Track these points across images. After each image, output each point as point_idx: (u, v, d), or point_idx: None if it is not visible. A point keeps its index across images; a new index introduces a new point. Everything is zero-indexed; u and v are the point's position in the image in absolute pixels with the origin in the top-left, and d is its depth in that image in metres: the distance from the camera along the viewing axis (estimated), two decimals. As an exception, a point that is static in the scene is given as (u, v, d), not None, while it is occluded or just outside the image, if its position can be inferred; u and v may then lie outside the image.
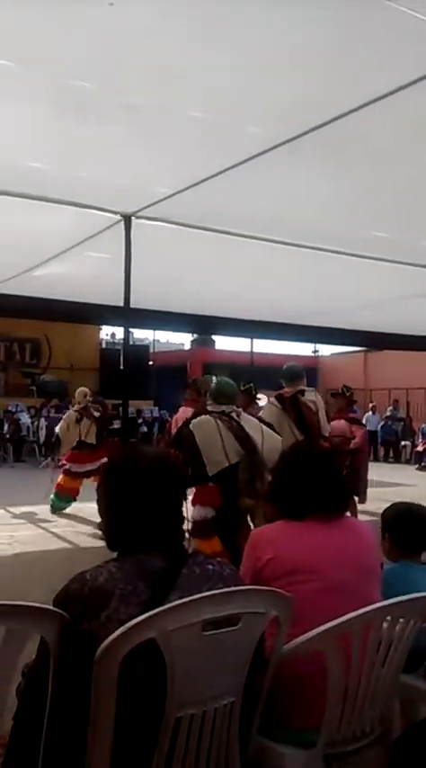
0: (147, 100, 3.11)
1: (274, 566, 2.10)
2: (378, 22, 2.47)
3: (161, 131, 3.43)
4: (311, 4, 2.38)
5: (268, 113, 3.22)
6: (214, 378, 6.52)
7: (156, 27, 2.53)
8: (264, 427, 5.07)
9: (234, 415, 4.87)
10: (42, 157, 3.72)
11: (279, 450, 4.85)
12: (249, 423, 4.90)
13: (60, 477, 9.29)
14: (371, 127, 3.28)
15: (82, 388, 9.89)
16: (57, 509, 9.08)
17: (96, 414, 9.55)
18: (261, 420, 6.09)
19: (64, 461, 9.39)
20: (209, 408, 4.98)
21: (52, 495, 9.24)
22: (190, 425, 4.85)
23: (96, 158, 3.74)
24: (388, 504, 2.81)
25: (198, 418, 4.96)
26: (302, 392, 6.42)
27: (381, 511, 2.83)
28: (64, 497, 9.14)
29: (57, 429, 9.93)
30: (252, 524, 4.77)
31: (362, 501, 7.53)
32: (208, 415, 4.86)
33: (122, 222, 4.78)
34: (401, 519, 2.49)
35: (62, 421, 9.80)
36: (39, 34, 2.55)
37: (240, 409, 5.13)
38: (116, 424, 10.60)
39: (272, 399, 6.48)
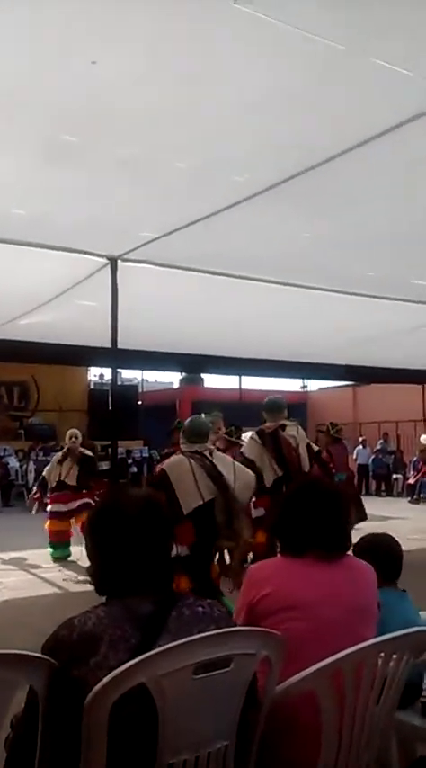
0: (132, 149, 3.18)
1: (270, 601, 2.09)
2: (358, 71, 2.55)
3: (146, 179, 3.51)
4: (294, 56, 2.46)
5: (251, 161, 3.31)
6: (203, 415, 6.55)
7: (139, 81, 2.61)
8: (237, 464, 5.11)
9: (206, 453, 4.91)
10: (27, 205, 3.77)
11: (251, 486, 5.10)
12: (222, 461, 4.95)
13: (47, 523, 9.23)
14: (352, 172, 3.37)
15: (71, 430, 9.91)
16: (58, 558, 8.91)
17: (87, 452, 9.53)
18: (242, 455, 6.10)
19: (50, 503, 9.34)
20: (183, 448, 5.02)
21: (49, 546, 9.15)
22: (164, 466, 4.93)
23: (81, 205, 3.81)
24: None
25: (170, 458, 5.03)
26: (283, 426, 6.43)
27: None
28: (59, 544, 9.04)
29: (44, 471, 9.93)
30: (228, 560, 4.85)
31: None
32: (180, 455, 4.91)
33: (109, 265, 4.84)
34: (371, 552, 2.51)
35: (50, 464, 9.82)
36: (25, 88, 2.62)
37: (213, 447, 5.17)
38: (105, 466, 10.57)
39: (253, 434, 6.51)
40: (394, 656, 2.00)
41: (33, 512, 9.98)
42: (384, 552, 2.71)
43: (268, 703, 1.82)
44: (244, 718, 1.70)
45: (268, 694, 1.81)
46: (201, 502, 4.63)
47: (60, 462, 9.39)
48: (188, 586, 4.42)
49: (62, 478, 9.25)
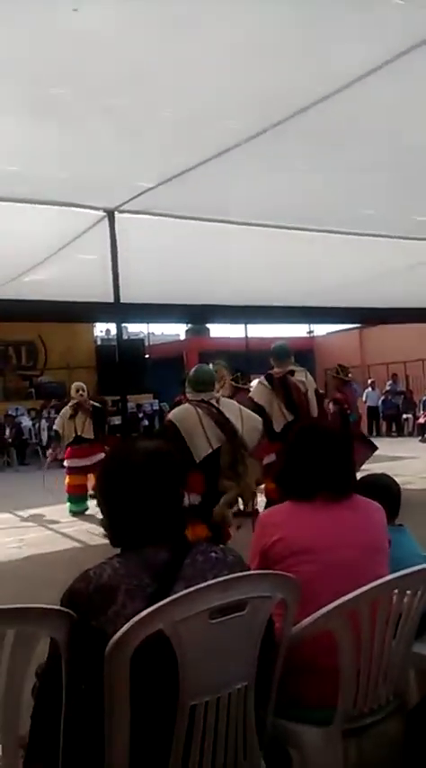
0: (120, 100, 3.11)
1: (282, 546, 2.11)
2: (348, 4, 2.46)
3: (137, 129, 3.44)
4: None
5: (244, 104, 3.23)
6: (211, 365, 6.56)
7: (124, 28, 2.53)
8: (243, 409, 5.21)
9: (213, 401, 4.99)
10: (19, 161, 3.71)
11: (259, 430, 5.21)
12: (228, 407, 5.03)
13: (66, 478, 9.31)
14: (346, 110, 3.29)
15: (76, 383, 9.89)
16: (75, 512, 9.02)
17: (96, 404, 9.55)
18: (251, 400, 6.12)
19: (66, 457, 9.42)
20: (189, 397, 5.11)
21: (66, 500, 9.23)
22: (171, 416, 5.02)
23: (74, 158, 3.74)
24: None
25: (177, 408, 5.13)
26: (292, 372, 6.44)
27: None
28: (77, 498, 9.13)
29: (54, 426, 9.97)
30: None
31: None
32: (187, 404, 4.98)
33: (106, 218, 4.78)
34: (368, 492, 2.53)
35: (58, 417, 9.83)
36: (7, 43, 2.54)
37: (219, 395, 5.28)
38: (117, 420, 10.63)
39: (262, 379, 6.54)
40: (408, 592, 2.02)
41: (45, 467, 10.08)
42: (381, 491, 2.74)
43: (285, 644, 1.85)
44: (263, 660, 1.74)
45: (284, 635, 1.84)
46: (211, 450, 4.74)
47: (72, 417, 9.38)
48: (205, 534, 4.51)
49: (79, 433, 9.27)
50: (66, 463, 9.42)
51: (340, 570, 2.06)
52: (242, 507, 5.17)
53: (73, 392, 9.65)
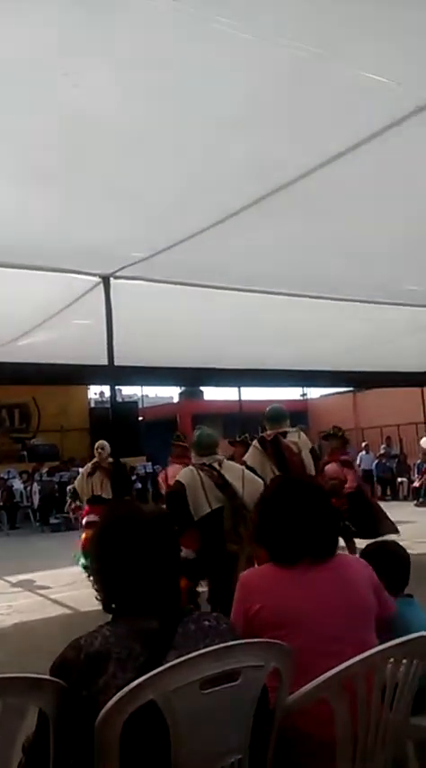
0: (114, 171, 3.20)
1: (265, 616, 2.05)
2: (333, 81, 2.57)
3: (131, 199, 3.52)
4: (269, 69, 2.48)
5: (235, 177, 3.33)
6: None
7: (119, 102, 2.63)
8: (246, 472, 5.46)
9: (215, 464, 5.29)
10: (15, 230, 3.79)
11: (259, 490, 5.16)
12: (230, 470, 5.32)
13: (83, 534, 9.14)
14: (340, 181, 3.38)
15: (99, 441, 9.57)
16: (87, 568, 8.85)
17: (109, 467, 9.44)
18: (244, 464, 6.15)
19: (83, 515, 9.27)
20: (193, 461, 5.46)
21: (80, 556, 9.08)
22: (179, 477, 5.33)
23: (70, 226, 3.82)
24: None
25: (183, 470, 5.47)
26: (284, 434, 6.45)
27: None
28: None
29: (75, 483, 9.88)
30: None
31: (392, 531, 7.50)
32: (191, 467, 5.33)
33: (101, 284, 4.86)
34: (378, 560, 2.47)
35: (79, 475, 9.78)
36: (5, 113, 2.63)
37: (222, 458, 5.51)
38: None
39: (255, 443, 6.59)
40: (405, 661, 1.99)
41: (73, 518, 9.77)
42: (391, 560, 2.69)
43: (280, 715, 1.81)
44: (257, 731, 1.69)
45: (279, 706, 1.80)
46: (209, 510, 4.99)
47: (90, 475, 9.20)
48: (186, 585, 4.79)
49: (95, 492, 9.08)
50: (84, 520, 9.26)
51: (326, 640, 2.00)
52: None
53: (95, 450, 9.51)
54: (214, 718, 1.59)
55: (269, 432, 6.43)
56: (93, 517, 8.91)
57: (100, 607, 1.82)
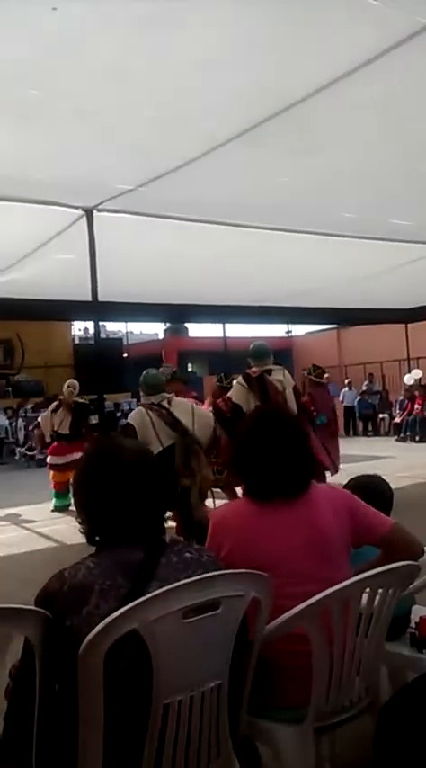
0: (97, 101, 3.11)
1: (234, 558, 2.04)
2: (323, 7, 2.48)
3: (116, 130, 3.43)
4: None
5: (224, 106, 3.24)
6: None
7: (100, 28, 2.52)
8: (196, 407, 5.76)
9: (164, 403, 5.49)
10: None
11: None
12: (179, 407, 5.52)
13: (50, 474, 9.34)
14: (324, 113, 3.32)
15: (69, 380, 9.80)
16: (58, 509, 9.08)
17: (79, 400, 9.51)
18: (229, 400, 6.28)
19: (48, 454, 9.45)
20: (142, 401, 5.66)
21: (52, 496, 9.28)
22: (129, 419, 5.57)
23: (52, 159, 3.73)
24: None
25: (133, 412, 5.69)
26: (269, 371, 6.51)
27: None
28: (60, 495, 9.16)
29: (39, 420, 10.06)
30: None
31: (333, 473, 7.66)
32: (140, 407, 5.55)
33: (84, 216, 4.77)
34: (360, 494, 2.51)
35: (46, 412, 9.90)
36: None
37: (170, 396, 5.70)
38: (94, 419, 10.60)
39: (239, 379, 6.64)
40: (380, 591, 2.05)
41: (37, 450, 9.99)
42: (373, 493, 2.73)
43: (258, 643, 1.87)
44: (237, 659, 1.75)
45: (258, 634, 1.85)
46: (161, 448, 5.15)
47: (54, 412, 9.40)
48: None
49: (55, 429, 9.28)
50: (48, 460, 9.46)
51: (296, 580, 2.02)
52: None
53: (64, 388, 9.60)
54: (195, 646, 1.64)
55: (254, 369, 6.47)
56: (55, 459, 9.10)
57: (83, 541, 1.85)
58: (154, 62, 2.83)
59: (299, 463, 2.23)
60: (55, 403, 9.57)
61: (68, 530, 7.73)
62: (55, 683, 1.61)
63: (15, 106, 3.05)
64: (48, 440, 9.55)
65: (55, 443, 9.32)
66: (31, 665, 1.61)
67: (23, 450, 17.07)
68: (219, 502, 5.65)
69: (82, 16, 2.45)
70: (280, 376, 6.60)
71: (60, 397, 9.52)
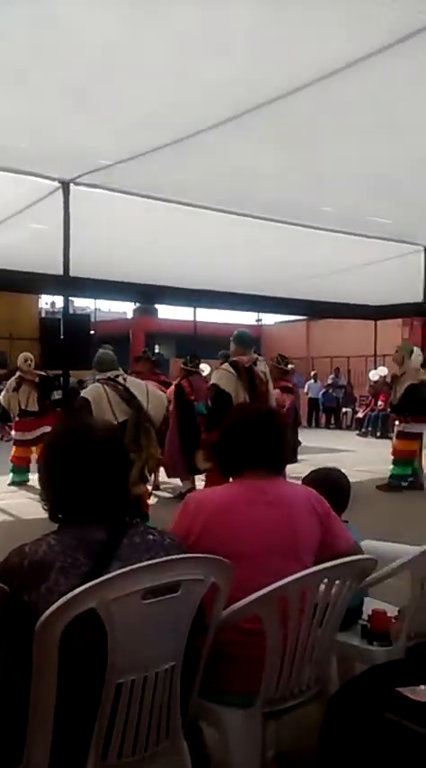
0: (85, 77, 3.07)
1: (202, 543, 2.05)
2: (327, 2, 2.46)
3: (100, 106, 3.39)
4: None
5: (209, 92, 3.22)
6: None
7: (92, 9, 2.49)
8: (150, 387, 5.79)
9: (120, 379, 5.53)
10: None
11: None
12: (135, 386, 5.57)
13: (12, 449, 9.23)
14: (311, 107, 3.33)
15: (23, 353, 9.65)
16: (16, 483, 8.99)
17: (42, 373, 9.40)
18: (216, 387, 6.28)
19: (12, 429, 9.32)
20: (97, 377, 5.67)
21: (10, 471, 9.16)
22: (83, 393, 5.63)
23: (34, 128, 3.68)
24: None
25: (89, 386, 5.76)
26: (255, 362, 6.56)
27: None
28: (19, 470, 9.09)
29: (0, 398, 9.77)
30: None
31: (292, 461, 7.78)
32: (96, 383, 5.57)
33: (61, 189, 4.71)
34: (319, 486, 2.55)
35: (3, 391, 9.67)
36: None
37: (124, 374, 5.78)
38: (58, 395, 10.50)
39: (227, 366, 6.54)
40: (337, 582, 2.07)
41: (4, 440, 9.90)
42: (331, 486, 2.77)
43: (214, 627, 1.88)
44: (192, 642, 1.76)
45: (215, 618, 1.87)
46: (116, 422, 5.10)
47: (16, 389, 9.22)
48: None
49: (23, 407, 9.13)
50: (12, 434, 9.34)
51: (261, 572, 2.02)
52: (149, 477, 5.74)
53: (20, 362, 9.45)
54: (152, 628, 1.64)
55: (244, 358, 6.45)
56: (19, 435, 9.00)
57: (41, 516, 1.84)
58: (143, 44, 2.80)
59: (275, 440, 2.30)
60: (14, 379, 9.35)
61: (23, 504, 7.67)
62: (10, 657, 1.61)
63: (3, 73, 2.98)
64: (15, 419, 9.33)
65: (19, 420, 9.19)
66: (-14, 638, 1.60)
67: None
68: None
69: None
70: (264, 368, 6.66)
71: (19, 372, 9.33)
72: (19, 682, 1.57)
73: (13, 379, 9.44)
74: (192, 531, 2.10)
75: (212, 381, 6.59)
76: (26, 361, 9.37)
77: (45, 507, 1.81)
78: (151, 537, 1.78)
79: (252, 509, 2.16)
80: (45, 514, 1.83)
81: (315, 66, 2.94)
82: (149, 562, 1.63)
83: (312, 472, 2.92)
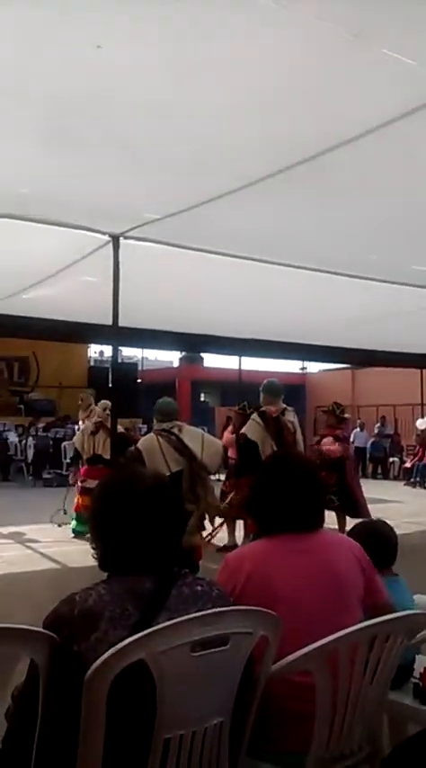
0: (134, 134, 3.18)
1: (246, 598, 2.01)
2: (362, 62, 2.54)
3: (148, 162, 3.50)
4: (298, 45, 2.45)
5: (255, 147, 3.31)
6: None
7: (140, 67, 2.60)
8: (206, 435, 5.93)
9: (174, 430, 5.66)
10: (32, 184, 3.78)
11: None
12: (189, 434, 5.71)
13: (78, 497, 9.06)
14: (354, 162, 3.37)
15: (103, 401, 9.51)
16: (81, 533, 8.57)
17: (120, 428, 9.35)
18: (244, 436, 6.42)
19: (81, 476, 9.21)
20: (154, 427, 5.87)
21: (73, 519, 9.01)
22: (138, 444, 5.79)
23: (84, 185, 3.81)
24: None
25: (143, 437, 6.01)
26: (283, 412, 6.67)
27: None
28: (85, 519, 8.89)
29: (74, 441, 9.85)
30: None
31: (363, 515, 7.60)
32: (151, 434, 5.76)
33: (111, 243, 4.84)
34: (365, 538, 2.51)
35: (78, 432, 9.74)
36: (29, 72, 2.61)
37: (182, 423, 5.90)
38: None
39: (255, 416, 6.74)
40: (389, 638, 2.03)
41: (75, 485, 9.81)
42: (378, 539, 2.72)
43: (263, 682, 1.85)
44: (241, 697, 1.73)
45: (264, 673, 1.84)
46: (169, 473, 5.27)
47: (93, 434, 9.17)
48: None
49: (97, 451, 9.04)
50: (80, 482, 9.18)
51: (309, 622, 2.01)
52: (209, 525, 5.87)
53: (99, 410, 9.38)
54: (201, 681, 1.63)
55: (272, 408, 6.58)
56: (90, 483, 8.83)
57: (87, 564, 1.85)
58: (190, 101, 2.89)
59: (312, 494, 2.26)
60: (92, 424, 9.30)
61: (71, 551, 7.70)
62: (57, 708, 1.60)
63: (55, 132, 3.11)
64: (84, 465, 9.28)
65: (88, 467, 9.10)
66: (35, 688, 1.61)
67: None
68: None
69: (124, 55, 2.52)
70: (292, 418, 6.83)
71: (99, 419, 9.23)
72: (67, 734, 1.56)
73: (91, 423, 9.40)
74: (236, 587, 2.08)
75: (242, 431, 6.77)
76: (105, 409, 9.24)
77: (95, 556, 1.83)
78: (199, 588, 1.77)
79: (292, 557, 2.15)
80: (92, 562, 1.85)
81: (358, 123, 3.00)
82: (199, 614, 1.63)
83: (356, 525, 2.88)
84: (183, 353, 24.84)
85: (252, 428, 6.71)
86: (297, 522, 2.20)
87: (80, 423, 9.93)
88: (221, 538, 8.11)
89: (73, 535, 8.82)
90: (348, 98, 2.83)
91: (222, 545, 7.68)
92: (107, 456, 8.73)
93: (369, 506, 9.95)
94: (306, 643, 1.86)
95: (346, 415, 9.16)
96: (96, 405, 9.60)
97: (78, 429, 10.43)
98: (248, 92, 2.79)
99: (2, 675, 1.57)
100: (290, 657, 1.86)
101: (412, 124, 2.88)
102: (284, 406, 6.88)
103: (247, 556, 2.24)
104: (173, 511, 1.86)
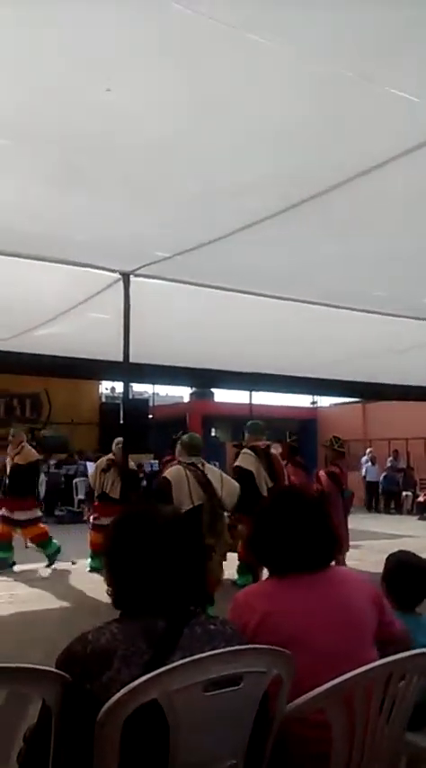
0: (143, 172, 3.24)
1: (260, 638, 1.98)
2: (365, 98, 2.59)
3: (157, 201, 3.56)
4: (302, 84, 2.50)
5: (259, 187, 3.36)
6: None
7: (150, 108, 2.66)
8: (224, 475, 6.21)
9: (199, 465, 5.94)
10: (42, 223, 3.84)
11: (236, 493, 6.14)
12: (211, 471, 6.00)
13: (91, 534, 9.03)
14: (361, 197, 3.40)
15: (117, 438, 9.19)
16: (95, 569, 8.54)
17: (132, 465, 9.33)
18: (239, 468, 6.91)
19: (94, 514, 9.17)
20: (181, 460, 6.07)
21: (89, 556, 8.99)
22: (167, 474, 5.98)
23: (94, 224, 3.87)
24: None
25: (171, 468, 6.13)
26: (268, 447, 7.54)
27: (380, 563, 2.85)
28: (99, 554, 8.86)
29: (89, 481, 10.05)
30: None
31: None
32: (179, 465, 5.95)
33: (121, 280, 4.89)
34: (397, 570, 2.46)
35: (93, 469, 9.73)
36: (39, 113, 2.68)
37: (203, 460, 6.17)
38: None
39: (246, 450, 7.49)
40: (405, 676, 2.00)
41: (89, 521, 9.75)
42: (419, 571, 2.66)
43: (278, 721, 1.82)
44: (254, 737, 1.71)
45: (278, 713, 1.81)
46: (192, 505, 5.56)
47: (104, 471, 9.13)
48: None
49: (105, 490, 9.00)
50: (92, 519, 9.14)
51: (326, 659, 1.98)
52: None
53: (113, 447, 9.24)
54: (214, 721, 1.60)
55: (260, 443, 7.19)
56: (101, 520, 8.79)
57: (98, 602, 1.83)
58: (200, 141, 2.95)
59: (320, 534, 2.22)
60: (105, 460, 9.25)
61: (82, 590, 7.64)
62: (69, 749, 1.58)
63: (67, 172, 3.18)
64: (96, 502, 9.24)
65: (99, 503, 9.05)
66: (47, 728, 1.59)
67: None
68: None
69: (134, 97, 2.59)
70: (277, 451, 7.72)
71: (112, 456, 9.17)
72: (80, 774, 1.54)
73: (105, 459, 9.36)
74: (248, 627, 2.05)
75: (236, 464, 7.24)
76: (117, 444, 9.19)
77: (109, 593, 1.82)
78: (212, 626, 1.76)
79: (304, 595, 2.12)
80: (104, 599, 1.84)
81: (369, 156, 3.05)
82: (212, 652, 1.61)
83: (392, 554, 2.80)
84: (194, 389, 24.86)
85: (246, 459, 7.44)
86: (307, 563, 2.17)
87: (8, 459, 9.50)
88: (230, 573, 8.06)
89: (88, 569, 8.83)
90: (362, 131, 2.88)
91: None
92: (116, 496, 8.71)
93: (382, 541, 9.88)
94: (321, 682, 1.83)
95: (342, 449, 9.13)
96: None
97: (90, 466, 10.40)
98: (257, 130, 2.85)
99: (14, 716, 1.55)
100: (304, 697, 1.83)
101: (414, 161, 2.93)
102: (268, 442, 7.67)
103: (259, 595, 2.21)
104: (190, 548, 1.84)
